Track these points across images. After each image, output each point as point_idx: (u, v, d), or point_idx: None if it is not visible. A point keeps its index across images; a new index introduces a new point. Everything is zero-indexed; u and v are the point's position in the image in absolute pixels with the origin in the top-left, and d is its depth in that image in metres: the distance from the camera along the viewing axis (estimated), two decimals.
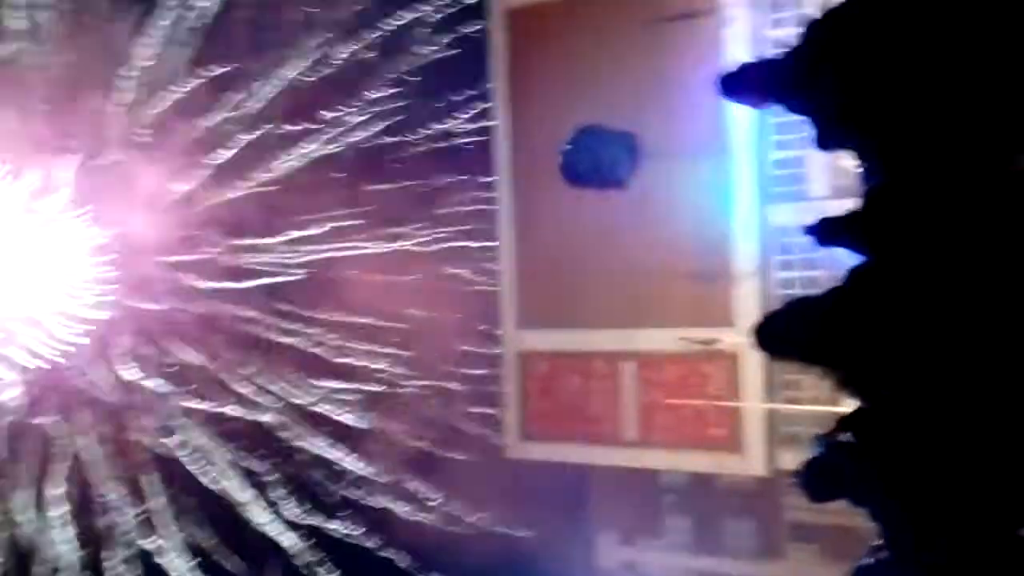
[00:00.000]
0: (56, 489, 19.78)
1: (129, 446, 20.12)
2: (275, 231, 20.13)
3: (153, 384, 19.82)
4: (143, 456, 20.05)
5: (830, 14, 4.17)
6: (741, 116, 10.04)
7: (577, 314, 11.68)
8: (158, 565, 19.55)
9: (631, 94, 11.25)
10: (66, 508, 19.80)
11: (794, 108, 3.87)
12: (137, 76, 19.44)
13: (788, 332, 3.96)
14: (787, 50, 3.84)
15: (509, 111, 12.61)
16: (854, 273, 4.05)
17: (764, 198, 10.52)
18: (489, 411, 13.63)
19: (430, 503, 18.81)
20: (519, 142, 12.49)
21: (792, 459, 10.22)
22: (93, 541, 19.78)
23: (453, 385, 19.01)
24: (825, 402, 9.80)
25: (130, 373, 20.09)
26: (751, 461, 10.28)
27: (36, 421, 19.86)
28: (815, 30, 4.05)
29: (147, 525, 19.88)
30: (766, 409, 10.17)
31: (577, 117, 11.45)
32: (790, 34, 10.59)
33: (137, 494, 19.90)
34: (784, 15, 10.71)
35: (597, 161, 11.46)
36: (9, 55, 18.32)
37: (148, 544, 19.56)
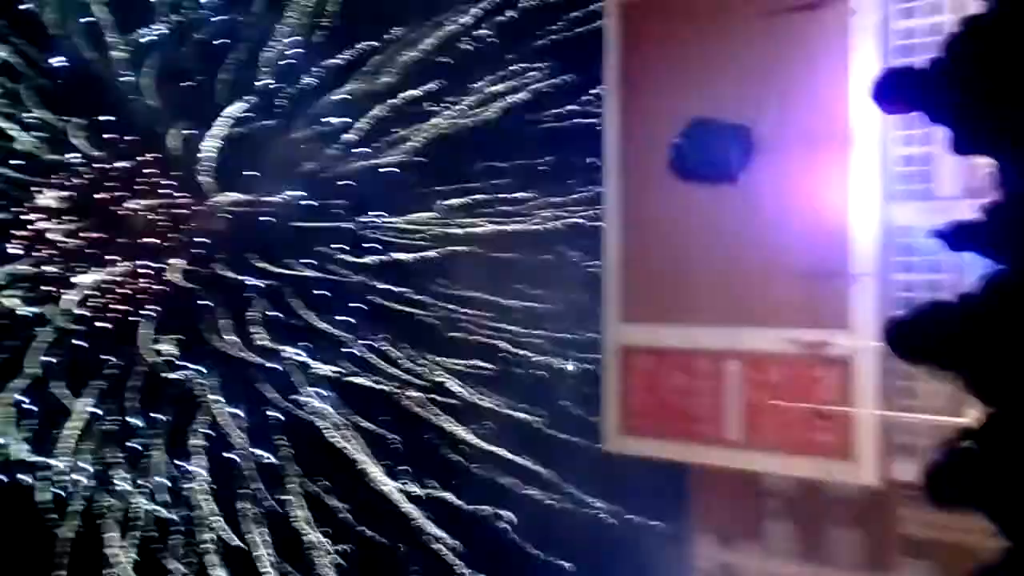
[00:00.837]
0: (196, 440, 21.13)
1: (263, 405, 21.29)
2: (400, 207, 20.88)
3: (289, 350, 21.00)
4: (276, 415, 21.20)
5: (973, 23, 3.96)
6: (865, 110, 9.61)
7: (682, 310, 11.49)
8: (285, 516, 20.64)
9: (747, 86, 10.94)
10: (204, 461, 21.13)
11: (934, 115, 3.71)
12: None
13: (921, 336, 3.81)
14: (930, 58, 3.67)
15: (620, 102, 12.49)
16: (989, 281, 3.83)
17: (886, 196, 10.04)
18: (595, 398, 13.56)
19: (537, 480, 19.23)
20: (629, 133, 12.36)
21: (905, 469, 9.82)
22: (226, 491, 21.08)
23: (568, 367, 19.35)
24: (942, 412, 9.31)
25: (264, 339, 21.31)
26: (862, 469, 9.87)
27: (177, 376, 21.30)
28: (959, 39, 3.86)
29: (276, 479, 21.01)
30: (879, 416, 9.74)
31: (689, 109, 11.25)
32: (919, 25, 10.08)
33: (269, 450, 21.08)
34: (913, 4, 10.18)
35: (708, 154, 11.21)
36: None
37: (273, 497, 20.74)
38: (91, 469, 21.40)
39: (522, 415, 20.01)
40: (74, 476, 21.22)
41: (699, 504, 12.52)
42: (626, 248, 12.27)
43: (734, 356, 10.87)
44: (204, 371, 21.70)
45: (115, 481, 21.44)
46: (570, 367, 19.30)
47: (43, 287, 21.77)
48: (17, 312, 21.43)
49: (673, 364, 11.55)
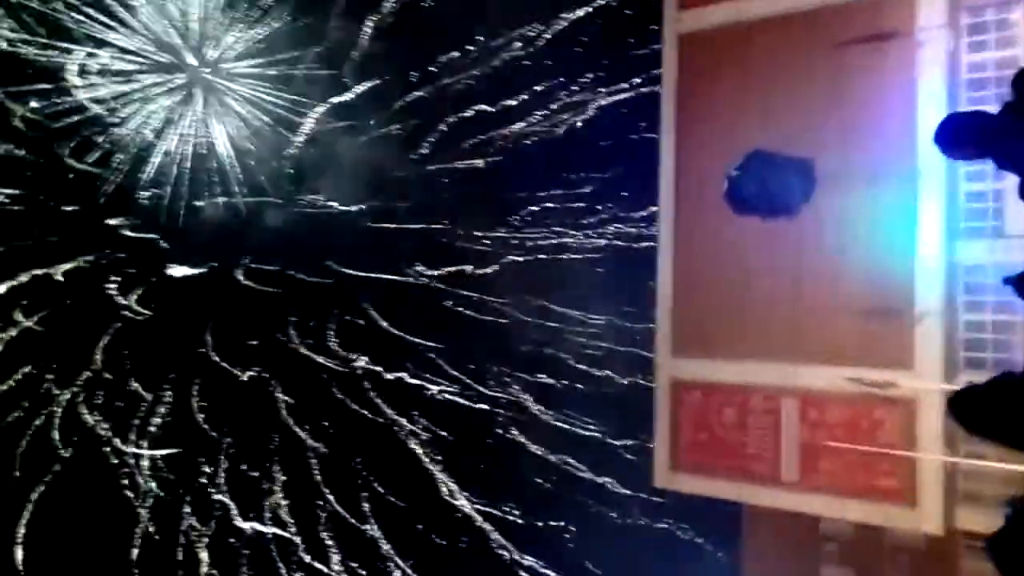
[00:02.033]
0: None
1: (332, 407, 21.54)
2: (472, 217, 21.20)
3: (360, 356, 21.27)
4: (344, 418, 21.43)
5: None
6: (929, 144, 9.33)
7: (737, 344, 11.24)
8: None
9: (809, 119, 10.76)
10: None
11: (1001, 162, 3.55)
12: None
13: (990, 411, 3.59)
14: (1001, 103, 3.52)
15: (676, 131, 12.40)
16: None
17: (953, 233, 9.75)
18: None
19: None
20: (684, 162, 12.24)
21: (971, 518, 9.40)
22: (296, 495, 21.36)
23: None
24: (1013, 460, 8.92)
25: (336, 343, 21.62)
26: (925, 517, 9.47)
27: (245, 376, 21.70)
28: None
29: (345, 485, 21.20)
30: (945, 462, 9.36)
31: (748, 142, 11.08)
32: (990, 59, 9.83)
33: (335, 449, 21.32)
34: (984, 38, 9.94)
35: (766, 187, 10.98)
36: None
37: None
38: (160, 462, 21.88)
39: (588, 431, 20.09)
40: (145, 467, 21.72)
41: (752, 546, 12.16)
42: (679, 278, 12.10)
43: (791, 394, 10.56)
44: (274, 373, 22.10)
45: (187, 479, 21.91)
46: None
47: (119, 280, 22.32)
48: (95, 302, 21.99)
49: (726, 400, 11.28)
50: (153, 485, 21.87)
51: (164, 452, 22.03)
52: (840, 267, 10.01)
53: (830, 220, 10.28)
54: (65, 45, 20.80)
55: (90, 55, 20.94)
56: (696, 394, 11.66)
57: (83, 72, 20.90)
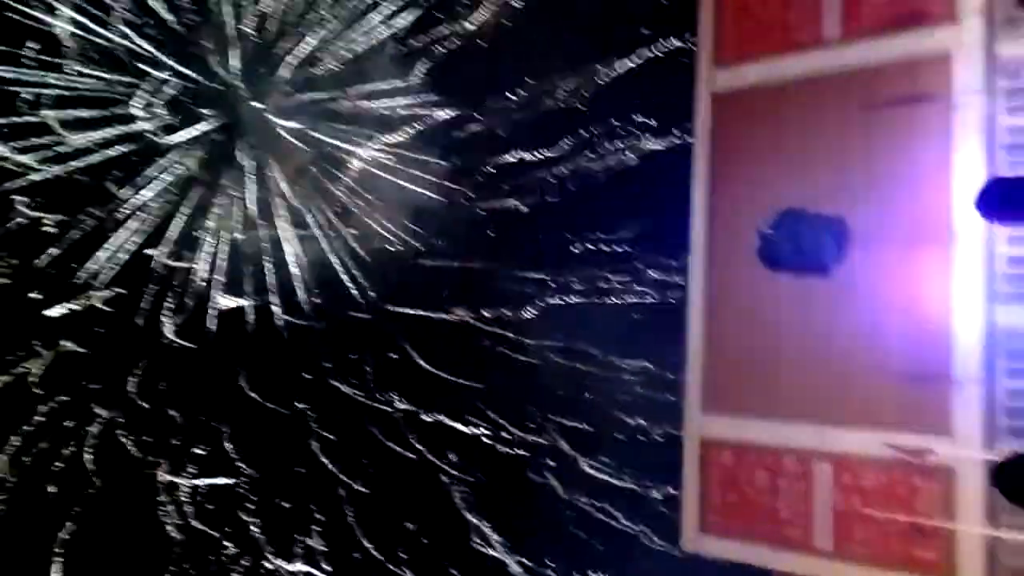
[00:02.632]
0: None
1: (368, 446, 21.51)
2: (515, 258, 21.37)
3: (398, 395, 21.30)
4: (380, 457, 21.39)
5: None
6: (969, 208, 9.26)
7: (768, 404, 11.03)
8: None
9: (842, 179, 10.70)
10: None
11: None
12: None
13: None
14: None
15: (707, 190, 12.39)
16: None
17: (992, 296, 9.54)
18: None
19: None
20: (716, 218, 12.19)
21: None
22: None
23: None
24: None
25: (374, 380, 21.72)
26: None
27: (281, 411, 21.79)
28: None
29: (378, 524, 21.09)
30: (986, 535, 9.02)
31: (780, 200, 11.06)
32: None
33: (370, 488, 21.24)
34: (1020, 103, 9.85)
35: (799, 245, 10.93)
36: None
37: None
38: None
39: (623, 481, 19.86)
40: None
41: None
42: (710, 335, 11.97)
43: (824, 457, 10.30)
44: (311, 409, 22.19)
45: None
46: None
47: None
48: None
49: (758, 461, 11.04)
50: (189, 515, 22.03)
51: (201, 482, 22.18)
52: (875, 328, 9.84)
53: (864, 280, 10.16)
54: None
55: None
56: (726, 454, 11.44)
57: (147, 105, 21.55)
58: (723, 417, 11.53)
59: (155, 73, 21.01)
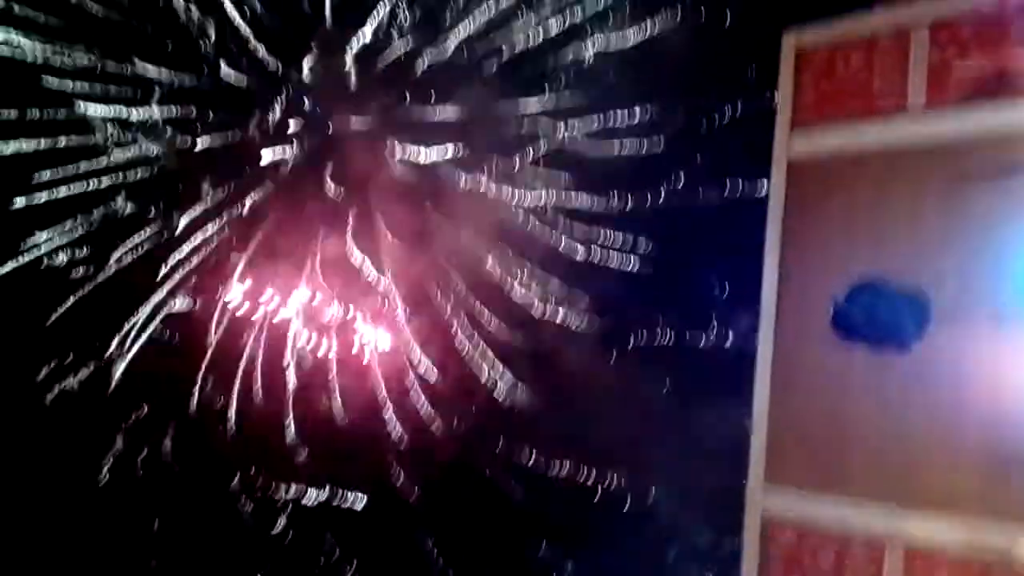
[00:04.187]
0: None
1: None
2: None
3: None
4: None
5: None
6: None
7: (837, 482, 10.46)
8: None
9: (922, 253, 10.30)
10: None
11: None
12: None
13: None
14: None
15: (780, 259, 12.08)
16: None
17: None
18: None
19: None
20: (788, 290, 11.84)
21: None
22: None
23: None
24: None
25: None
26: None
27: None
28: None
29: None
30: None
31: (856, 270, 10.71)
32: None
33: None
34: None
35: (876, 319, 10.52)
36: None
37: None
38: None
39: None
40: None
41: None
42: (776, 409, 11.51)
43: (896, 544, 9.66)
44: None
45: None
46: None
47: None
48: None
49: (822, 543, 10.42)
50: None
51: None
52: (956, 407, 9.31)
53: (945, 356, 9.65)
54: None
55: None
56: (789, 533, 10.85)
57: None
58: (787, 494, 10.99)
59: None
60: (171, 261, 22.38)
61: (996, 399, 9.09)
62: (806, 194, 11.73)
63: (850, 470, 10.22)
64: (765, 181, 12.70)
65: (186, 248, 22.26)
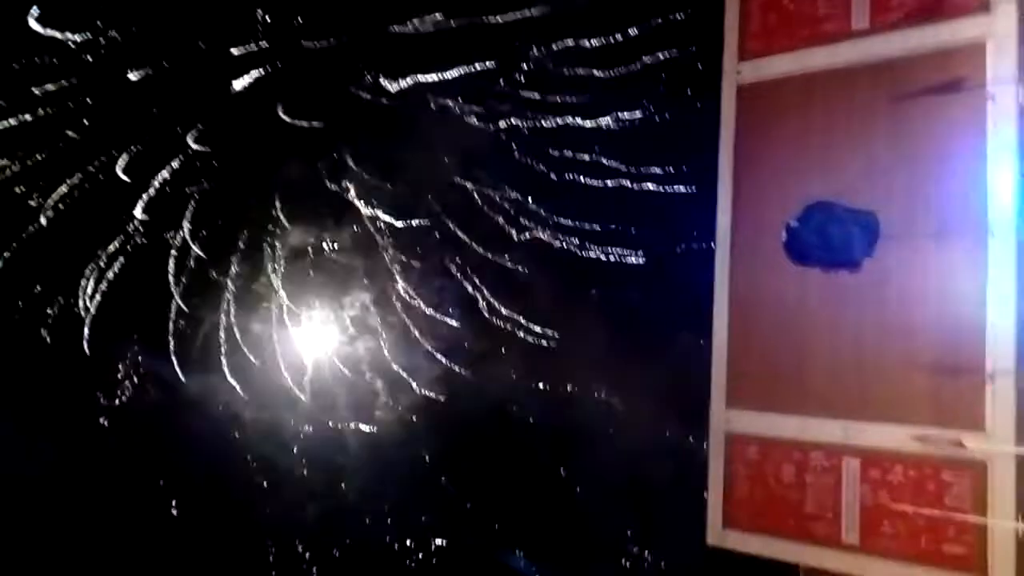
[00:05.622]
0: None
1: None
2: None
3: None
4: None
5: None
6: (1005, 198, 9.14)
7: (795, 399, 10.93)
8: None
9: (871, 172, 10.59)
10: None
11: None
12: None
13: None
14: None
15: (732, 183, 12.29)
16: None
17: None
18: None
19: None
20: (742, 213, 12.09)
21: None
22: None
23: None
24: None
25: None
26: None
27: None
28: None
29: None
30: (1019, 530, 8.91)
31: (807, 194, 10.97)
32: None
33: None
34: None
35: (828, 239, 10.83)
36: None
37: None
38: None
39: None
40: None
41: None
42: (735, 330, 11.88)
43: (853, 452, 10.20)
44: None
45: None
46: None
47: None
48: None
49: (784, 456, 10.95)
50: None
51: None
52: (906, 322, 9.74)
53: (895, 274, 10.05)
54: None
55: None
56: (752, 449, 11.36)
57: None
58: (749, 411, 11.45)
59: None
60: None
61: (943, 313, 9.54)
62: (757, 120, 11.89)
63: (808, 388, 10.68)
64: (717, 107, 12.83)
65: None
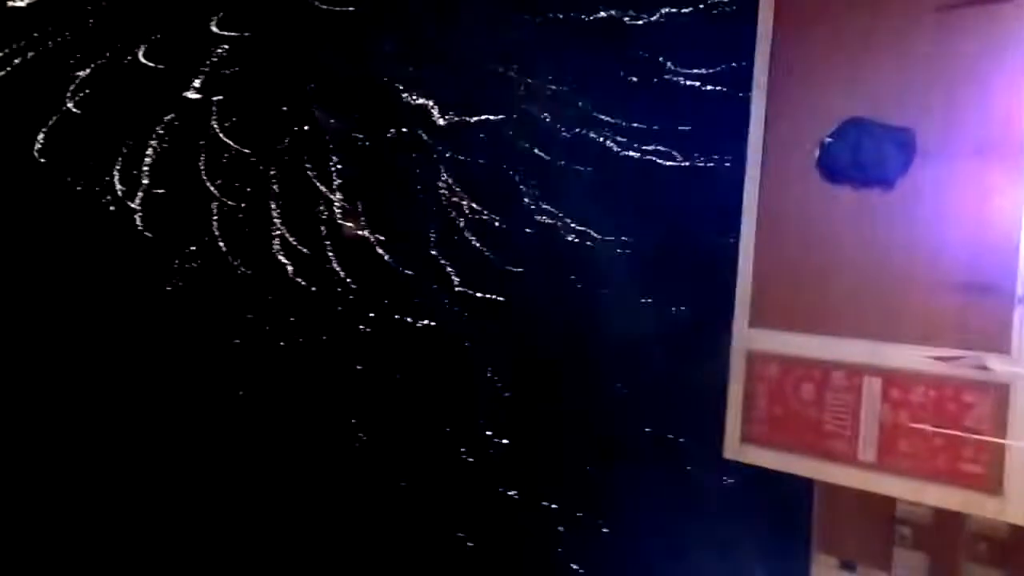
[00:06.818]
0: None
1: None
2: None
3: None
4: None
5: None
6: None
7: (819, 319, 10.90)
8: None
9: (908, 87, 10.21)
10: None
11: None
12: None
13: None
14: None
15: (766, 98, 11.95)
16: None
17: None
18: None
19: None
20: (775, 128, 11.77)
21: None
22: None
23: None
24: None
25: None
26: (1011, 507, 9.07)
27: None
28: None
29: None
30: None
31: (845, 108, 10.63)
32: None
33: None
34: None
35: (861, 156, 10.55)
36: None
37: None
38: None
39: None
40: None
41: (823, 523, 11.94)
42: (761, 248, 11.77)
43: (874, 372, 10.21)
44: None
45: None
46: None
47: None
48: None
49: (805, 375, 10.99)
50: None
51: None
52: (937, 242, 9.58)
53: (928, 193, 9.82)
54: None
55: None
56: (773, 366, 11.42)
57: None
58: (772, 330, 11.46)
59: None
60: None
61: (975, 232, 9.35)
62: (795, 29, 11.47)
63: (833, 308, 10.63)
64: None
65: None
